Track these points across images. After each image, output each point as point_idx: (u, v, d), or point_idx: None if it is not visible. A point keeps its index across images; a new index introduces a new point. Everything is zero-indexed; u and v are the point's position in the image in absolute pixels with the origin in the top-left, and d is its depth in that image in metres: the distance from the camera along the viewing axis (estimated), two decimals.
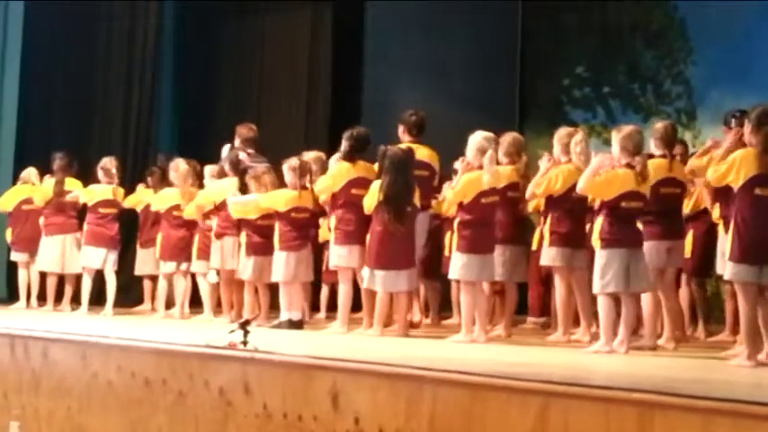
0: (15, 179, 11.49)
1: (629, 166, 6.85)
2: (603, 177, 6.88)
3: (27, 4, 12.46)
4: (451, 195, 7.77)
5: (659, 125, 7.65)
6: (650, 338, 7.22)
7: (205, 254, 9.56)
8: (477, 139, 7.67)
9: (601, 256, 6.87)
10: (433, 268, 9.30)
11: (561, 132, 7.90)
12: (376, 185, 7.93)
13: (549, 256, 7.75)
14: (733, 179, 6.22)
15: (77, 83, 12.95)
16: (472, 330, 7.57)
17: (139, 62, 12.92)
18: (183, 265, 9.92)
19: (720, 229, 7.84)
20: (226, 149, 9.82)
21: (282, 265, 8.57)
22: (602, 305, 6.90)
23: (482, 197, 7.59)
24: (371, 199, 7.93)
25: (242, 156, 9.51)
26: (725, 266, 6.40)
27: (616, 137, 6.99)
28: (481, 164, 7.57)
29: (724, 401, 4.10)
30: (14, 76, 12.33)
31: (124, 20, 13.05)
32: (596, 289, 6.89)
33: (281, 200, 8.62)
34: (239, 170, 9.26)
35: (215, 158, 10.02)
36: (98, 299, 10.41)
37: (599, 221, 6.92)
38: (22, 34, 12.39)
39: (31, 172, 11.01)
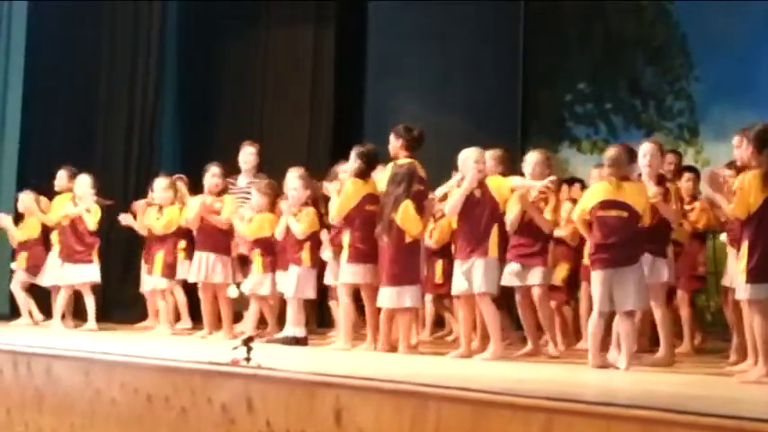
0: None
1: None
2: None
3: (31, 5, 12.49)
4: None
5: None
6: (666, 355, 7.23)
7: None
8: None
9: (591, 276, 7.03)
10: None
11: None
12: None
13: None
14: (752, 204, 6.14)
15: (80, 91, 12.94)
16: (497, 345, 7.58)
17: (142, 76, 12.90)
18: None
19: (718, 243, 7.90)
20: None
21: (294, 281, 8.59)
22: (591, 323, 6.98)
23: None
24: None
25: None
26: (735, 284, 6.40)
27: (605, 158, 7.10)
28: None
29: (727, 418, 4.10)
30: (18, 78, 12.33)
31: (127, 33, 13.03)
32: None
33: (315, 223, 8.70)
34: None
35: None
36: (103, 314, 10.43)
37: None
38: (26, 35, 12.41)
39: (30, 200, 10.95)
